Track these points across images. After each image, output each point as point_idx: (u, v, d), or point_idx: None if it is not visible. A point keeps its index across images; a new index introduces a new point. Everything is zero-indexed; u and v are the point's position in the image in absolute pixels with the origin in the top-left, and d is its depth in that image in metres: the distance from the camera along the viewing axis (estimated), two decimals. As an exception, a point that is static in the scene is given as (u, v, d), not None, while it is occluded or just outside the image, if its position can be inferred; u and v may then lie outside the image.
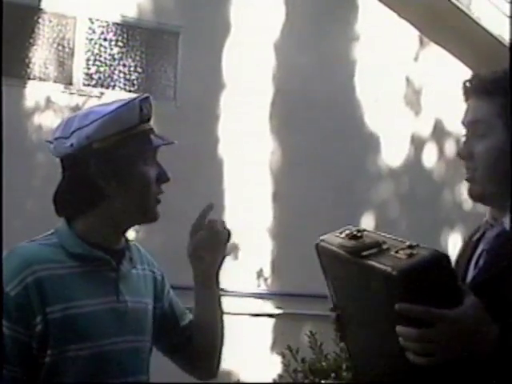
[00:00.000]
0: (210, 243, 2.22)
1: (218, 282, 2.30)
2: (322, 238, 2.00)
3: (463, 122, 1.99)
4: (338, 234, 1.93)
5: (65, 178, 2.07)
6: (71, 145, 2.01)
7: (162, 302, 2.28)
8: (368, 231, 1.88)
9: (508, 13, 8.19)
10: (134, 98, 2.07)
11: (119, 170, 2.02)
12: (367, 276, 1.75)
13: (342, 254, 1.84)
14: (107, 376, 2.02)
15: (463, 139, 1.98)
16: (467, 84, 1.98)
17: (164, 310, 2.28)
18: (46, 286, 1.94)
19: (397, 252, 1.70)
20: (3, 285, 1.92)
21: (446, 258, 1.65)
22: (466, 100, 1.99)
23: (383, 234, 1.83)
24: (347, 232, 1.89)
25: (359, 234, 1.85)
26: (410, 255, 1.66)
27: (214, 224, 2.22)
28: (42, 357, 1.93)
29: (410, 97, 8.26)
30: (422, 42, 8.41)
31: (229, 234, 2.23)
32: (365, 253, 1.76)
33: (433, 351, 1.64)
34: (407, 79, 8.25)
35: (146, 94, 2.11)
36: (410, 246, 1.69)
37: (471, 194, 1.96)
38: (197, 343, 2.33)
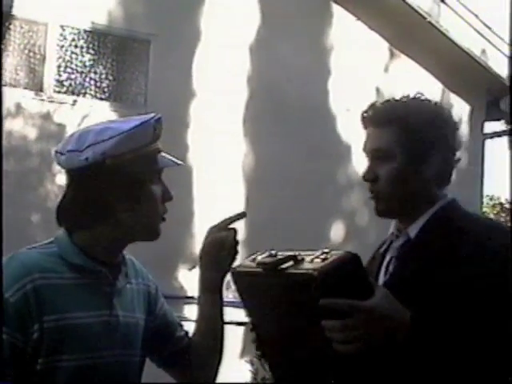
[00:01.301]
0: (227, 247, 2.24)
1: (221, 292, 2.33)
2: (234, 266, 2.18)
3: (364, 150, 2.25)
4: (251, 259, 2.08)
5: (71, 190, 2.09)
6: (86, 158, 2.02)
7: (155, 314, 2.29)
8: (281, 251, 2.01)
9: (481, 31, 8.29)
10: (150, 118, 2.10)
11: (129, 187, 2.05)
12: (288, 285, 1.91)
13: (260, 271, 1.98)
14: None
15: (367, 165, 2.24)
16: (365, 114, 2.24)
17: (157, 323, 2.29)
18: (44, 295, 1.96)
19: (312, 260, 1.87)
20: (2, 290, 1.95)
21: (357, 257, 1.87)
22: (365, 128, 2.25)
23: (296, 251, 1.97)
24: (262, 255, 2.04)
25: (274, 254, 1.99)
26: (325, 259, 1.84)
27: (235, 231, 2.25)
28: (36, 364, 1.95)
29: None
30: (392, 54, 8.48)
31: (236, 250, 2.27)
32: (283, 266, 1.92)
33: (355, 339, 1.85)
34: (377, 90, 8.31)
35: (159, 115, 2.12)
36: (324, 253, 1.88)
37: (378, 212, 2.24)
38: (197, 352, 2.35)
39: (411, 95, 2.25)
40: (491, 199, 17.01)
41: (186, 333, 2.38)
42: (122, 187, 2.04)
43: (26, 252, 2.07)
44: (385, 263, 2.26)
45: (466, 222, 2.14)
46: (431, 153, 2.17)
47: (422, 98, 2.24)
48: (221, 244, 2.24)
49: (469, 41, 8.31)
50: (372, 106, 2.25)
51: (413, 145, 2.16)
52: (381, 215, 2.25)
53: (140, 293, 2.23)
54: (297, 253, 1.94)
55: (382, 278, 2.23)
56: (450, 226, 2.13)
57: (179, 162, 2.18)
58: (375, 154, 2.21)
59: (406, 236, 2.21)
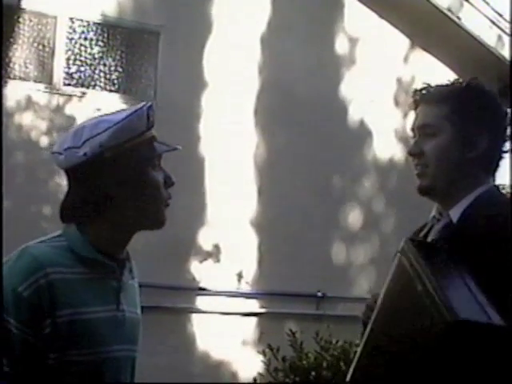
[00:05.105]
0: None
1: None
2: None
3: (413, 129, 2.30)
4: None
5: (74, 187, 2.09)
6: (84, 154, 2.02)
7: None
8: None
9: (493, 19, 8.23)
10: (142, 106, 2.09)
11: (131, 177, 2.06)
12: None
13: None
14: (103, 382, 2.05)
15: (413, 141, 2.29)
16: (417, 93, 2.30)
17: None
18: (57, 290, 1.96)
19: None
20: (14, 284, 1.94)
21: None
22: (415, 108, 2.31)
23: None
24: None
25: None
26: None
27: None
28: (47, 359, 1.95)
29: (399, 97, 8.26)
30: (412, 45, 8.43)
31: None
32: None
33: None
34: (398, 80, 8.27)
35: (150, 102, 2.12)
36: None
37: (421, 189, 2.28)
38: None
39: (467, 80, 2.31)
40: (503, 189, 17.00)
41: None
42: (124, 177, 2.05)
43: (38, 246, 2.06)
44: None
45: (508, 209, 2.16)
46: (479, 135, 2.22)
47: (477, 82, 2.30)
48: None
49: (481, 29, 8.26)
50: (425, 85, 2.32)
51: (462, 124, 2.22)
52: (424, 194, 2.29)
53: (137, 289, 2.26)
54: None
55: None
56: (492, 211, 2.15)
57: (176, 146, 2.18)
58: (423, 130, 2.26)
59: (448, 218, 2.25)
